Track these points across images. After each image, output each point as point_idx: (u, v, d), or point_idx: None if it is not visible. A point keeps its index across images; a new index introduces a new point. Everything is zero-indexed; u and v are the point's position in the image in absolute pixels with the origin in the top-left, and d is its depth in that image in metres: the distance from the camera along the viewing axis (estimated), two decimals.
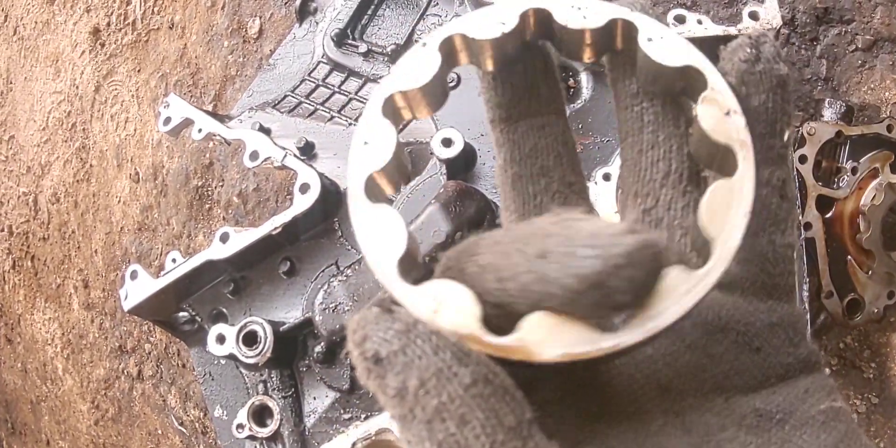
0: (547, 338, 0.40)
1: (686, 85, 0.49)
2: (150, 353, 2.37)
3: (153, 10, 2.34)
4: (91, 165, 2.47)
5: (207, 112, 1.85)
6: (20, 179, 2.67)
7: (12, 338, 2.80)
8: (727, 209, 0.44)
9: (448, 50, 0.47)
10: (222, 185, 2.17)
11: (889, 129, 1.72)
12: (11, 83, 2.69)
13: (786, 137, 0.49)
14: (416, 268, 0.45)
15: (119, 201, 2.39)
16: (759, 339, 0.48)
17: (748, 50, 0.48)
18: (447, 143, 1.51)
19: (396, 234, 0.43)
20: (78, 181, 2.50)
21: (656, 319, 0.41)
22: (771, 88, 0.47)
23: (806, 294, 1.56)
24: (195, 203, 2.23)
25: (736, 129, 0.46)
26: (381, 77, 1.76)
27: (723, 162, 0.48)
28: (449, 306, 0.41)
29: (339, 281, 1.55)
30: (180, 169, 2.25)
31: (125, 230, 2.38)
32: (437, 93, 0.49)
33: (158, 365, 2.35)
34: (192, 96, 2.24)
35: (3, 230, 2.72)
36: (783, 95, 0.48)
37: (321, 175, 1.62)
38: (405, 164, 0.48)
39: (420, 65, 0.46)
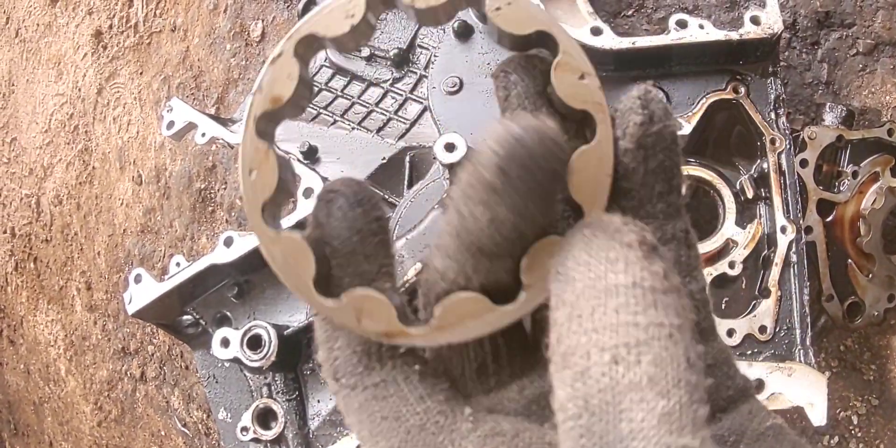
0: (452, 323, 0.45)
1: (540, 50, 0.50)
2: (153, 355, 2.38)
3: (155, 12, 2.34)
4: (93, 168, 2.47)
5: (210, 116, 1.85)
6: (23, 181, 2.67)
7: (15, 339, 2.80)
8: (592, 173, 0.47)
9: (304, 51, 0.49)
10: (225, 188, 2.17)
11: (890, 133, 1.72)
12: (13, 85, 2.69)
13: (683, 191, 0.51)
14: (330, 276, 0.48)
15: (122, 203, 2.40)
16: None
17: (640, 111, 0.48)
18: (450, 147, 1.51)
19: (304, 256, 0.46)
20: (80, 183, 2.51)
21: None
22: (667, 146, 0.48)
23: (807, 298, 1.56)
24: (198, 206, 2.24)
25: (590, 92, 0.49)
26: (383, 81, 1.76)
27: (581, 127, 0.50)
28: (368, 312, 0.45)
29: None
30: (183, 171, 2.26)
31: (128, 232, 2.39)
32: (302, 99, 0.51)
33: (162, 367, 2.36)
34: (194, 99, 2.25)
35: (5, 232, 2.72)
36: (676, 150, 0.49)
37: (324, 179, 1.63)
38: (291, 180, 0.52)
39: (282, 75, 0.48)
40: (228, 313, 1.77)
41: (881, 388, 1.95)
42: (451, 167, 1.55)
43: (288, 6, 2.12)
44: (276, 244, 0.47)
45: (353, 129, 1.72)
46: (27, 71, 2.66)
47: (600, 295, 0.39)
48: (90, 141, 2.47)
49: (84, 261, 2.51)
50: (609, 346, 0.37)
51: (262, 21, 2.14)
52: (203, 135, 1.80)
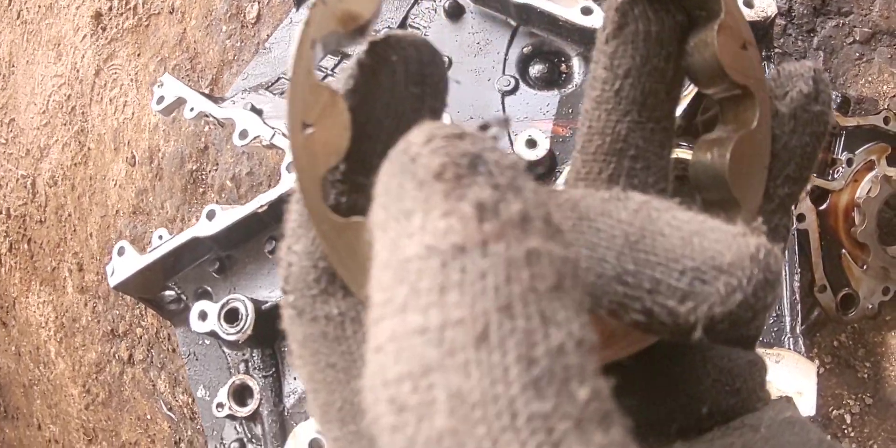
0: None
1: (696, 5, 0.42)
2: (141, 338, 2.37)
3: None
4: (89, 149, 2.47)
5: (201, 93, 1.85)
6: (19, 162, 2.68)
7: (7, 321, 2.80)
8: (750, 166, 0.40)
9: None
10: (216, 169, 2.17)
11: (886, 121, 1.69)
12: (13, 66, 2.70)
13: (807, 188, 0.44)
14: None
15: (115, 184, 2.40)
16: (739, 380, 0.43)
17: (810, 83, 0.42)
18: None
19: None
20: (76, 164, 2.51)
21: None
22: (818, 132, 0.42)
23: (797, 285, 1.54)
24: (189, 187, 2.23)
25: (753, 66, 0.41)
26: None
27: (732, 104, 0.42)
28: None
29: None
30: (176, 152, 2.25)
31: (120, 213, 2.39)
32: (375, 21, 0.39)
33: (149, 349, 2.35)
34: (189, 80, 2.24)
35: (0, 213, 2.73)
36: (821, 143, 0.43)
37: None
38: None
39: None
40: (209, 288, 1.76)
41: (875, 387, 1.92)
42: None
43: None
44: (340, 236, 0.34)
45: None
46: (27, 52, 2.67)
47: (392, 280, 0.26)
48: (86, 122, 2.48)
49: (77, 242, 2.51)
50: (391, 379, 0.24)
51: (258, 3, 2.14)
52: (191, 110, 1.79)
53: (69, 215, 2.53)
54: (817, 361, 1.86)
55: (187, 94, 1.80)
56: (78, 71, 2.51)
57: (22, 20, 2.69)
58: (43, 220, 2.61)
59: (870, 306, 1.76)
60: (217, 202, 2.18)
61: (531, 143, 1.48)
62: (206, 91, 2.20)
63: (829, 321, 1.80)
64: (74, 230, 2.52)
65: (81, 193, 2.48)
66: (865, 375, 1.91)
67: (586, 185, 0.42)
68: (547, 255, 0.24)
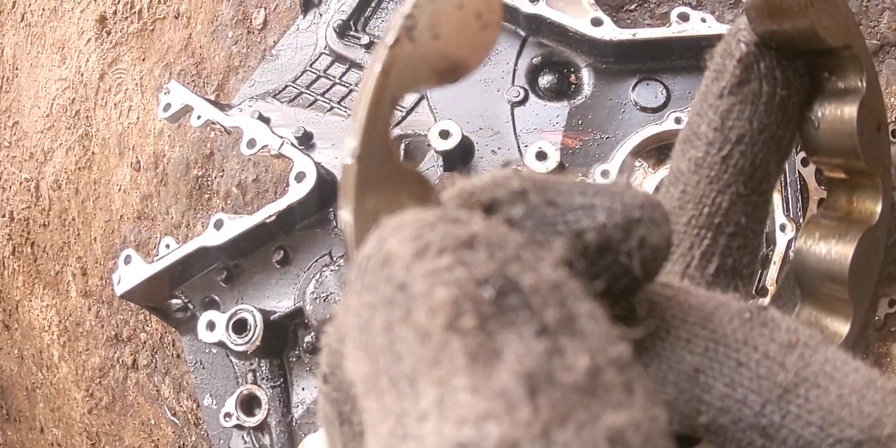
0: None
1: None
2: (145, 343, 2.37)
3: None
4: (93, 153, 2.47)
5: (208, 100, 1.85)
6: (23, 165, 2.67)
7: (10, 324, 2.80)
8: (868, 265, 0.35)
9: None
10: (222, 176, 2.16)
11: (894, 134, 1.70)
12: (17, 69, 2.70)
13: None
14: None
15: (119, 189, 2.39)
16: None
17: None
18: (444, 134, 1.50)
19: None
20: (80, 168, 2.51)
21: None
22: None
23: None
24: (195, 193, 2.23)
25: (884, 153, 0.37)
26: None
27: (848, 189, 0.38)
28: None
29: (332, 270, 1.55)
30: (181, 158, 2.25)
31: (125, 218, 2.38)
32: None
33: (153, 354, 2.35)
34: (195, 86, 2.24)
35: (3, 216, 2.72)
36: None
37: (318, 164, 1.62)
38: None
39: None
40: (217, 297, 1.76)
41: None
42: (445, 154, 1.53)
43: None
44: None
45: (349, 115, 1.71)
46: (31, 55, 2.66)
47: None
48: (91, 126, 2.47)
49: (80, 246, 2.50)
50: None
51: (265, 9, 2.14)
52: (199, 117, 1.79)
53: (73, 219, 2.52)
54: None
55: (194, 102, 1.80)
56: (82, 75, 2.50)
57: (26, 23, 2.69)
58: (46, 223, 2.61)
59: (876, 318, 1.76)
60: (223, 209, 2.18)
61: (541, 156, 1.48)
62: (212, 97, 2.19)
63: None
64: (78, 234, 2.52)
65: (85, 198, 2.47)
66: None
67: (672, 262, 0.37)
68: (636, 433, 0.17)
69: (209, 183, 2.22)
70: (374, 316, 0.19)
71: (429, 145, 1.52)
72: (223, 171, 2.17)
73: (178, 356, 2.28)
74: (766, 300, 1.53)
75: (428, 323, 0.17)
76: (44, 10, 2.64)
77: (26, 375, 2.79)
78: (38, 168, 2.63)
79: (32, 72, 2.66)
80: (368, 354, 0.19)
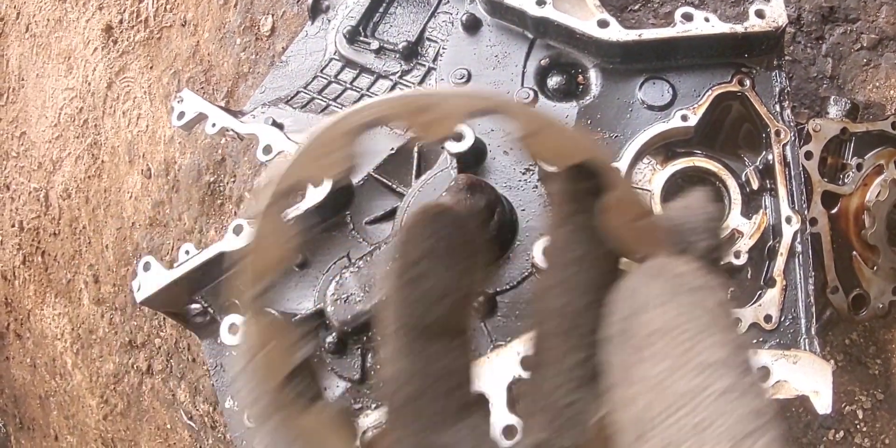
0: None
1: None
2: (160, 348, 2.39)
3: (166, 7, 2.36)
4: (102, 161, 2.49)
5: (221, 107, 1.86)
6: (31, 175, 2.69)
7: (21, 333, 2.82)
8: None
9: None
10: (234, 181, 2.19)
11: (894, 126, 1.74)
12: (23, 80, 2.72)
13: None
14: None
15: (130, 197, 2.42)
16: None
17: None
18: (458, 137, 1.53)
19: None
20: (89, 177, 2.53)
21: None
22: None
23: (811, 287, 1.57)
24: (207, 199, 2.25)
25: (647, 235, 0.45)
26: (392, 73, 1.78)
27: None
28: None
29: (351, 272, 1.58)
30: (192, 165, 2.27)
31: (136, 226, 2.41)
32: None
33: (168, 359, 2.38)
34: (204, 93, 2.27)
35: (13, 226, 2.74)
36: None
37: None
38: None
39: None
40: (237, 301, 1.77)
41: (886, 383, 1.96)
42: (459, 156, 1.56)
43: (298, 1, 2.14)
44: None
45: None
46: (37, 65, 2.68)
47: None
48: (99, 135, 2.49)
49: (92, 254, 2.53)
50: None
51: (272, 16, 2.16)
52: (213, 125, 1.81)
53: (84, 228, 2.54)
54: (832, 360, 1.90)
55: (209, 110, 1.82)
56: (89, 84, 2.52)
57: (31, 33, 2.71)
58: (57, 232, 2.63)
59: (880, 306, 1.80)
60: (236, 214, 2.20)
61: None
62: (222, 104, 2.22)
63: (841, 321, 1.84)
64: (89, 242, 2.54)
65: (96, 206, 2.50)
66: (876, 372, 1.95)
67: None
68: None
69: (221, 188, 2.24)
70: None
71: (442, 148, 1.55)
72: (235, 176, 2.20)
73: (194, 360, 2.31)
74: (775, 291, 1.57)
75: None
76: (49, 20, 2.66)
77: (39, 384, 2.82)
78: (46, 177, 2.65)
79: (39, 82, 2.68)
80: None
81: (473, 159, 1.61)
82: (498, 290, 1.55)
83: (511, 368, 1.44)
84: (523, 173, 1.60)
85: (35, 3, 2.68)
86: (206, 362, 1.82)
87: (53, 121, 2.61)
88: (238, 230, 1.69)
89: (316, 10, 1.93)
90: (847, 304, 1.77)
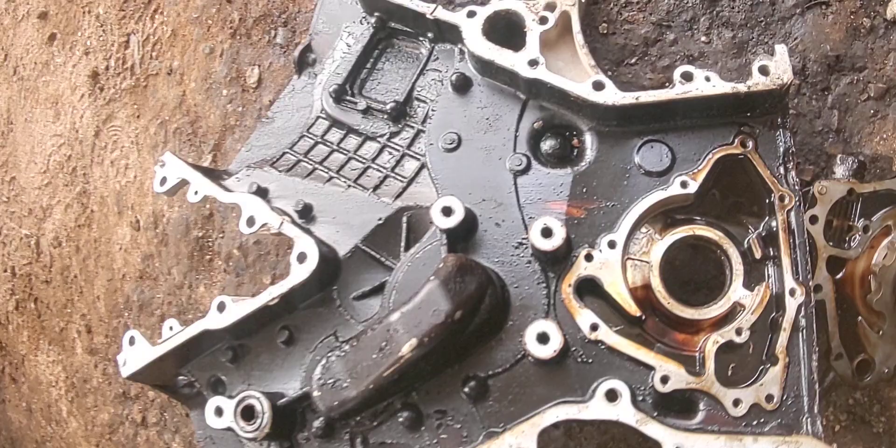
0: None
1: None
2: (153, 401, 2.35)
3: (151, 55, 2.30)
4: (92, 211, 2.45)
5: (204, 169, 1.81)
6: (22, 221, 2.65)
7: (17, 377, 2.78)
8: None
9: None
10: (223, 237, 2.14)
11: None
12: (12, 123, 2.67)
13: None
14: None
15: (120, 248, 2.37)
16: None
17: None
18: (447, 211, 1.47)
19: None
20: (79, 226, 2.49)
21: None
22: None
23: (815, 364, 1.51)
24: (196, 254, 2.20)
25: None
26: (380, 135, 1.72)
27: None
28: None
29: (338, 356, 1.51)
30: (181, 219, 2.22)
31: (127, 278, 2.36)
32: None
33: (163, 413, 2.34)
34: (191, 145, 2.21)
35: (6, 271, 2.70)
36: None
37: (319, 242, 1.59)
38: None
39: None
40: (223, 377, 1.71)
41: (891, 441, 1.90)
42: (449, 232, 1.50)
43: (284, 52, 2.08)
44: None
45: (348, 186, 1.68)
46: (25, 109, 2.63)
47: None
48: (88, 183, 2.45)
49: (84, 304, 2.49)
50: None
51: (259, 67, 2.10)
52: (196, 193, 1.75)
53: (75, 277, 2.50)
54: (836, 425, 1.84)
55: (191, 176, 1.76)
56: (77, 131, 2.48)
57: (19, 76, 2.66)
58: (49, 280, 2.59)
59: (886, 370, 1.73)
60: (225, 270, 2.15)
61: (547, 233, 1.45)
62: (209, 157, 2.17)
63: (844, 385, 1.78)
64: (81, 292, 2.50)
65: (87, 256, 2.46)
66: (881, 430, 1.89)
67: None
68: None
69: (210, 244, 2.19)
70: None
71: (431, 222, 1.49)
72: (223, 232, 2.15)
73: (188, 415, 2.26)
74: (777, 369, 1.50)
75: None
76: (36, 63, 2.61)
77: (35, 428, 2.78)
78: (37, 224, 2.61)
79: (27, 127, 2.63)
80: None
81: (464, 233, 1.55)
82: (490, 373, 1.49)
83: None
84: (516, 247, 1.54)
85: (22, 46, 2.63)
86: (196, 433, 1.77)
87: (42, 167, 2.57)
88: (221, 307, 1.63)
89: (302, 64, 1.87)
90: (851, 369, 1.72)
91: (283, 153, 1.81)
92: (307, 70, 1.89)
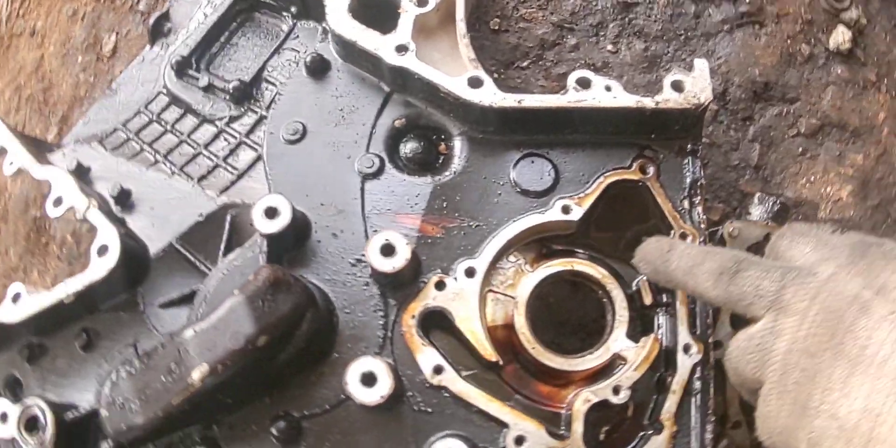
0: None
1: None
2: None
3: (19, 12, 2.04)
4: None
5: (32, 140, 1.58)
6: None
7: None
8: None
9: None
10: (58, 220, 1.87)
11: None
12: None
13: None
14: None
15: None
16: None
17: None
18: (271, 213, 1.21)
19: None
20: None
21: None
22: None
23: (709, 435, 1.25)
24: (32, 235, 1.93)
25: None
26: (218, 118, 1.45)
27: None
28: None
29: (128, 372, 1.24)
30: (21, 195, 1.95)
31: None
32: None
33: None
34: (40, 114, 1.94)
35: None
36: None
37: (124, 236, 1.32)
38: None
39: None
40: (20, 377, 1.46)
41: None
42: (271, 239, 1.23)
43: (143, 20, 1.83)
44: None
45: (173, 173, 1.42)
46: None
47: None
48: None
49: None
50: None
51: (117, 34, 1.84)
52: (11, 164, 1.50)
53: None
54: None
55: (10, 146, 1.51)
56: None
57: None
58: None
59: None
60: (59, 257, 1.88)
61: (388, 250, 1.19)
62: (56, 129, 1.90)
63: None
64: None
65: None
66: None
67: None
68: None
69: (46, 226, 1.91)
70: None
71: (251, 224, 1.22)
72: None
73: None
74: (661, 438, 1.24)
75: None
76: None
77: None
78: None
79: None
80: None
81: (291, 241, 1.28)
82: (306, 413, 1.21)
83: None
84: (353, 264, 1.27)
85: None
86: None
87: None
88: (16, 298, 1.38)
89: (156, 33, 1.61)
90: (750, 440, 1.48)
91: (115, 129, 1.54)
92: (161, 40, 1.63)
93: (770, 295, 0.92)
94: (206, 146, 1.43)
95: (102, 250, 1.31)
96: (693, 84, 1.31)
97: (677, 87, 1.31)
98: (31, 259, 1.93)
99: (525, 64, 1.63)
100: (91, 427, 1.31)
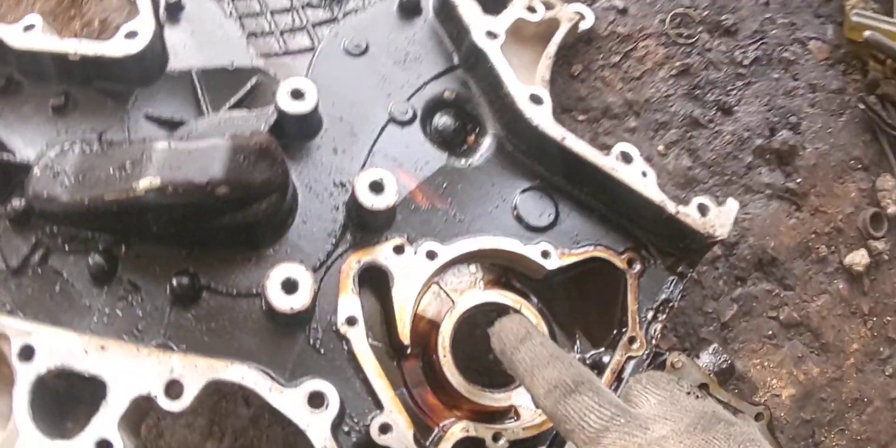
0: None
1: None
2: None
3: None
4: None
5: None
6: None
7: None
8: None
9: None
10: (101, 2, 1.77)
11: (758, 417, 1.39)
12: None
13: None
14: None
15: None
16: None
17: None
18: (297, 94, 1.17)
19: None
20: None
21: None
22: None
23: None
24: (66, 3, 1.83)
25: None
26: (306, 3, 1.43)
27: None
28: None
29: (81, 149, 1.17)
30: None
31: None
32: None
33: None
34: None
35: None
36: None
37: (158, 31, 1.27)
38: None
39: None
40: None
41: None
42: (284, 117, 1.19)
43: None
44: None
45: (230, 15, 1.39)
46: None
47: None
48: None
49: None
50: None
51: None
52: None
53: None
54: None
55: None
56: None
57: None
58: None
59: None
60: (76, 35, 1.78)
61: (377, 188, 1.14)
62: None
63: None
64: None
65: None
66: None
67: None
68: None
69: (82, 1, 1.82)
70: None
71: (273, 94, 1.18)
72: None
73: None
74: None
75: None
76: None
77: None
78: None
79: None
80: None
81: (299, 130, 1.24)
82: (212, 285, 1.15)
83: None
84: (335, 185, 1.24)
85: None
86: None
87: None
88: (29, 28, 1.29)
89: None
90: None
91: None
92: None
93: (591, 432, 0.82)
94: (273, 13, 1.41)
95: (131, 35, 1.24)
96: (717, 216, 1.31)
97: (703, 210, 1.31)
98: (51, 22, 1.84)
99: (581, 118, 1.62)
100: (12, 180, 1.23)
